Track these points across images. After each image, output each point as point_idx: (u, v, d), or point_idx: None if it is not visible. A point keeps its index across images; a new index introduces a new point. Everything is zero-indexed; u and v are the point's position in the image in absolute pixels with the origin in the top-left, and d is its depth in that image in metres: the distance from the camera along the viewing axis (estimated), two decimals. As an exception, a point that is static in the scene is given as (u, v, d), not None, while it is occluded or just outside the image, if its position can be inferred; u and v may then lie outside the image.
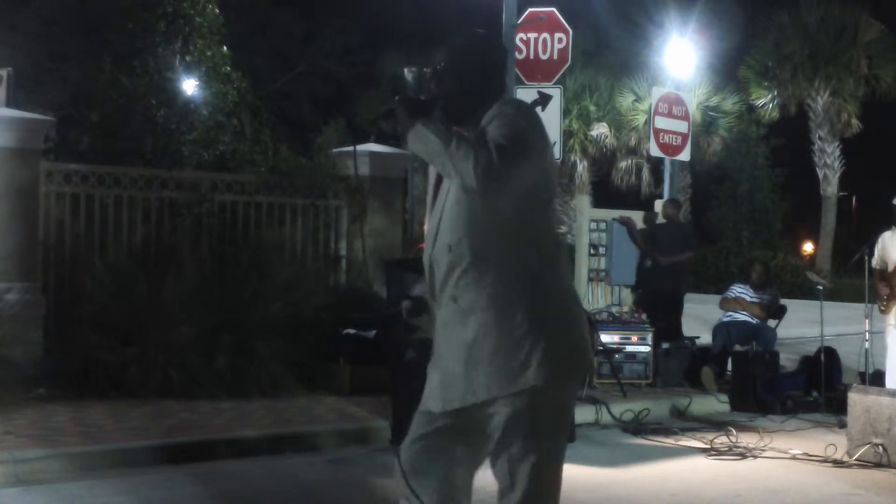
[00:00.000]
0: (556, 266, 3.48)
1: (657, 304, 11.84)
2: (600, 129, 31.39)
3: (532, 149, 3.39)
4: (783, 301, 12.49)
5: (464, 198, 3.38)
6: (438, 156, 3.29)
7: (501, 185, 3.29)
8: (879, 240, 10.00)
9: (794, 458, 8.07)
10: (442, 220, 3.45)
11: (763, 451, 8.25)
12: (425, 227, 3.63)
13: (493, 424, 3.40)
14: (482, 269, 3.38)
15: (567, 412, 3.54)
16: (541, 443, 3.40)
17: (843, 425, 8.69)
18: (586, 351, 3.50)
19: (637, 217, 13.09)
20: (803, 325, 15.10)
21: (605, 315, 11.57)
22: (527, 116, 3.46)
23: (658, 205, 14.26)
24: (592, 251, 13.30)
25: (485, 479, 3.63)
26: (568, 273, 3.54)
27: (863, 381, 9.71)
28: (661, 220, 12.91)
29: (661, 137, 13.90)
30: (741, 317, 11.87)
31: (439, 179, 3.52)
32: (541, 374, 3.34)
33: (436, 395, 3.48)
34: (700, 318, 14.51)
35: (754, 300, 11.92)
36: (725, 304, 12.15)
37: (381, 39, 32.49)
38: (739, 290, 12.16)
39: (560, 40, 11.69)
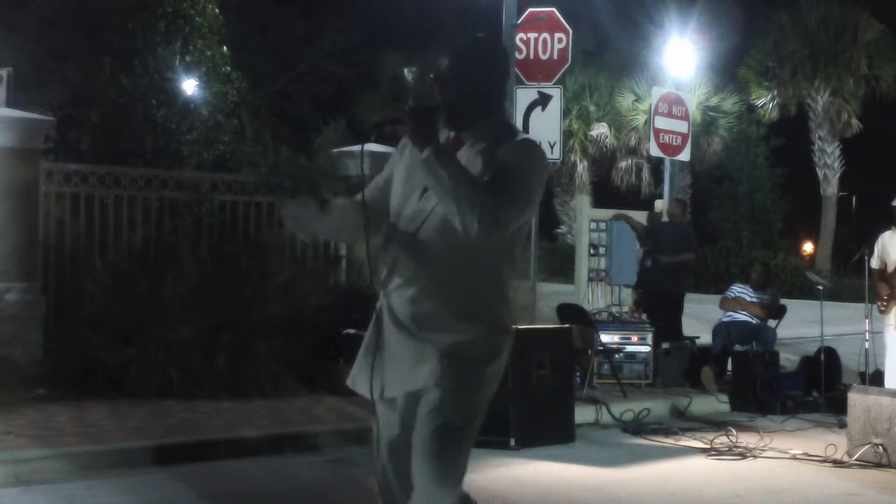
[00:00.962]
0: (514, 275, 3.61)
1: (657, 304, 11.82)
2: (600, 129, 31.38)
3: (535, 202, 3.48)
4: (783, 301, 12.49)
5: None
6: (445, 195, 3.30)
7: (498, 238, 3.36)
8: (879, 240, 10.00)
9: (794, 458, 8.07)
10: (430, 219, 3.44)
11: (763, 451, 8.25)
12: (395, 203, 3.59)
13: (428, 406, 3.44)
14: (453, 283, 3.42)
15: None
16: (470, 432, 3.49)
17: (843, 425, 8.69)
18: None
19: (640, 217, 13.08)
20: (803, 325, 15.11)
21: (605, 315, 11.57)
22: (543, 172, 3.51)
23: (658, 204, 14.25)
24: (592, 251, 13.30)
25: (483, 481, 3.63)
26: None
27: (863, 381, 9.70)
28: (664, 219, 12.90)
29: (661, 137, 13.89)
30: (741, 317, 11.86)
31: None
32: (496, 372, 3.51)
33: (392, 381, 3.50)
34: (700, 318, 14.50)
35: (754, 300, 11.91)
36: (725, 304, 12.15)
37: (381, 39, 32.47)
38: (739, 290, 12.16)
39: (560, 40, 11.69)
